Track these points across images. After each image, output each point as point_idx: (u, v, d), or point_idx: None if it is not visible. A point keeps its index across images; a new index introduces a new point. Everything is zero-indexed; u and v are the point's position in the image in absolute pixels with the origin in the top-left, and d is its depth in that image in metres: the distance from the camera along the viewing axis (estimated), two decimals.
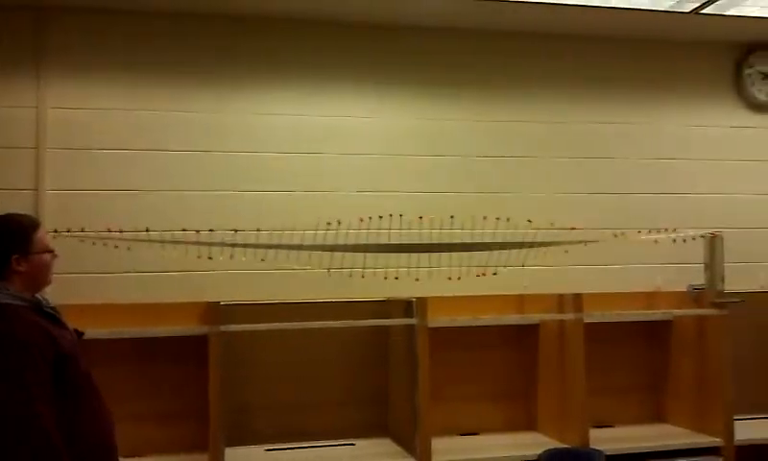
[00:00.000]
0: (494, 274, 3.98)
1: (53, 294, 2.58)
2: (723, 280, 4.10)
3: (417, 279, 3.90)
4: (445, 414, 4.05)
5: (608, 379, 4.32)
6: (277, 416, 4.02)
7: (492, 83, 4.60)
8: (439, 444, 3.72)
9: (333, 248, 3.90)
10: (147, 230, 3.67)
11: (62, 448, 2.25)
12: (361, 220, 3.95)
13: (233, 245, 3.84)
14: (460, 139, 4.52)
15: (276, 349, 4.01)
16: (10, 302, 2.35)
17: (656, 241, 4.26)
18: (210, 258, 3.73)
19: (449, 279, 3.92)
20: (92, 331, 2.72)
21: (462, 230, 4.12)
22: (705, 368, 4.16)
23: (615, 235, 4.26)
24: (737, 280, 4.27)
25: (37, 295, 2.49)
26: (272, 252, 3.90)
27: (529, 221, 4.05)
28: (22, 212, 2.65)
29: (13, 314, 2.33)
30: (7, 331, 2.29)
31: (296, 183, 4.27)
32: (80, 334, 2.60)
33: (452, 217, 4.01)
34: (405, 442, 3.86)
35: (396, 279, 3.94)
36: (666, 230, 4.27)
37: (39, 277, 2.48)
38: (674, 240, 4.21)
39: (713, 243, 4.14)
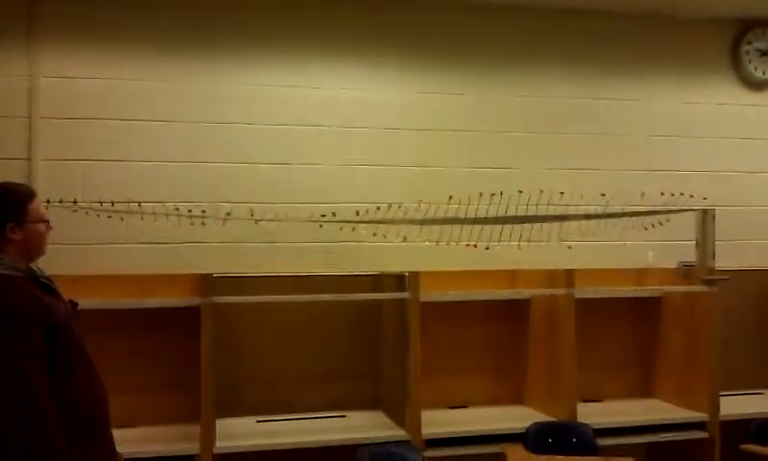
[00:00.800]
0: (486, 248, 3.99)
1: (46, 263, 2.59)
2: (713, 258, 4.12)
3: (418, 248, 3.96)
4: (436, 387, 4.09)
5: (597, 355, 4.37)
6: (269, 388, 4.05)
7: (490, 57, 4.58)
8: (429, 416, 3.76)
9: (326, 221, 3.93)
10: (139, 204, 3.69)
11: (55, 420, 2.26)
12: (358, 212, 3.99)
13: (226, 218, 3.86)
14: (455, 114, 4.52)
15: (268, 321, 4.04)
16: (4, 272, 2.34)
17: (649, 226, 4.26)
18: (204, 223, 3.75)
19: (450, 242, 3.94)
20: (85, 302, 2.72)
21: (458, 204, 4.14)
22: (693, 344, 4.20)
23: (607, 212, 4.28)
24: (727, 258, 4.30)
25: (32, 265, 2.49)
26: (263, 224, 3.91)
27: (520, 191, 4.07)
28: (17, 182, 2.65)
29: (9, 285, 2.32)
30: (2, 303, 2.28)
31: (292, 156, 4.26)
32: (74, 305, 2.60)
33: (451, 198, 4.02)
34: (396, 414, 3.90)
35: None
36: (658, 206, 4.28)
37: (34, 246, 2.47)
38: (668, 219, 4.22)
39: (704, 220, 4.16)
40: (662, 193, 4.47)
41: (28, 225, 2.43)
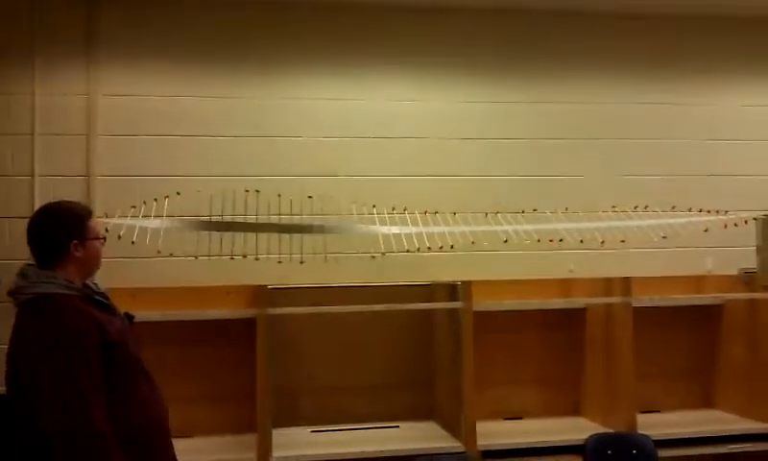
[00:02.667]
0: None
1: (105, 278, 2.64)
2: None
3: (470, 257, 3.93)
4: (490, 398, 4.07)
5: (655, 364, 4.27)
6: (323, 398, 4.07)
7: (536, 64, 4.54)
8: (484, 427, 3.72)
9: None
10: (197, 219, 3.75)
11: (113, 440, 2.24)
12: (393, 208, 4.00)
13: (280, 230, 3.88)
14: (504, 122, 4.48)
15: (322, 332, 4.07)
16: (59, 291, 2.36)
17: (706, 228, 4.16)
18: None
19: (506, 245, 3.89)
20: (143, 314, 2.78)
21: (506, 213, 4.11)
22: (756, 353, 4.08)
23: (664, 237, 4.18)
24: None
25: (88, 281, 2.53)
26: (317, 236, 3.92)
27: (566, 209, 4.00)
28: (72, 199, 2.72)
29: (64, 304, 2.34)
30: (56, 322, 2.29)
31: (337, 168, 4.28)
32: (131, 319, 2.63)
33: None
34: (450, 425, 3.87)
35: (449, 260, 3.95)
36: (717, 212, 4.18)
37: (92, 262, 2.51)
38: (725, 225, 4.12)
39: (766, 225, 4.04)
40: (721, 198, 4.39)
41: (88, 242, 2.48)
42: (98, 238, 2.53)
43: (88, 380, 2.25)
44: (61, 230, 2.44)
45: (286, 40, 4.29)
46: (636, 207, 4.04)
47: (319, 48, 4.32)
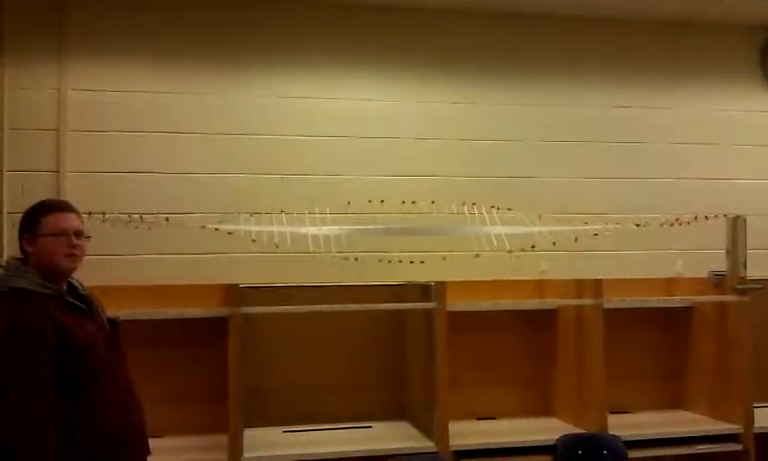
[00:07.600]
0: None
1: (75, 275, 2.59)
2: (745, 266, 4.05)
3: (444, 259, 4.03)
4: (463, 398, 4.05)
5: (626, 365, 4.30)
6: (295, 398, 4.04)
7: (515, 66, 4.56)
8: (456, 427, 3.72)
9: (351, 232, 3.92)
10: (167, 218, 3.71)
11: (53, 441, 2.21)
12: (369, 201, 4.02)
13: (253, 229, 3.86)
14: (480, 123, 4.49)
15: (294, 331, 4.04)
16: (28, 287, 2.34)
17: (672, 223, 4.20)
18: (230, 232, 3.77)
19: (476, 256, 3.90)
20: (112, 313, 2.73)
21: (480, 214, 4.13)
22: (724, 355, 4.12)
23: (638, 224, 4.22)
24: (759, 267, 4.23)
25: (72, 281, 2.49)
26: (290, 235, 3.91)
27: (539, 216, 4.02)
28: (55, 197, 2.68)
29: (23, 299, 2.31)
30: (12, 317, 2.27)
31: (313, 167, 4.27)
32: (113, 323, 2.56)
33: (474, 204, 4.01)
34: (423, 425, 3.87)
35: (422, 262, 4.00)
36: (687, 215, 4.23)
37: (46, 259, 2.42)
38: (695, 218, 4.15)
39: (735, 227, 4.09)
40: (692, 201, 4.44)
41: (38, 238, 2.43)
42: (50, 235, 2.44)
43: (35, 377, 2.22)
44: (19, 226, 2.47)
45: (261, 38, 4.26)
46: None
47: (296, 46, 4.30)
